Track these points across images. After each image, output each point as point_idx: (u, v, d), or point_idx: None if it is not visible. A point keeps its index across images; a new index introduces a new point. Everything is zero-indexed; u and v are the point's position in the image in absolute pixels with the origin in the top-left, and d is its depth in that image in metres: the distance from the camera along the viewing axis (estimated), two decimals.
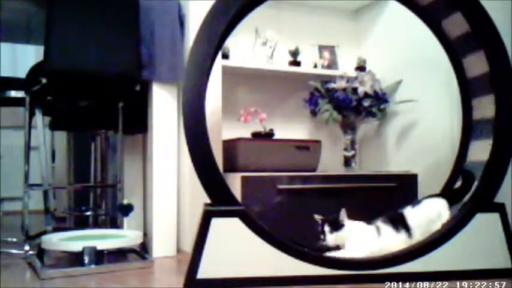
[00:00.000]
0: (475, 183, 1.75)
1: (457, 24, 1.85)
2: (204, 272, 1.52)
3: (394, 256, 1.64)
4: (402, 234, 1.71)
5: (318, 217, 1.74)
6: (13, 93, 2.22)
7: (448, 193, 1.88)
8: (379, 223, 1.73)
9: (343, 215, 1.71)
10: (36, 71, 1.99)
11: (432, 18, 1.97)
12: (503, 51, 1.74)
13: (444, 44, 1.99)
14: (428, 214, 1.73)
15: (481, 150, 1.83)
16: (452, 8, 1.82)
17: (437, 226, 1.70)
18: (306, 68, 2.70)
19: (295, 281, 1.55)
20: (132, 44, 1.97)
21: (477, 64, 1.84)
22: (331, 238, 1.68)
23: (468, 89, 1.95)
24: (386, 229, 1.72)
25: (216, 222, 1.54)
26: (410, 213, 1.74)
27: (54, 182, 2.88)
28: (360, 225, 1.73)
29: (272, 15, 2.71)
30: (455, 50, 1.96)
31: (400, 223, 1.72)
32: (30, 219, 2.04)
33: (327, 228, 1.69)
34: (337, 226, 1.69)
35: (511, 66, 1.75)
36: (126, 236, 1.97)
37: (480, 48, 1.78)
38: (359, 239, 1.69)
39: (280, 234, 1.61)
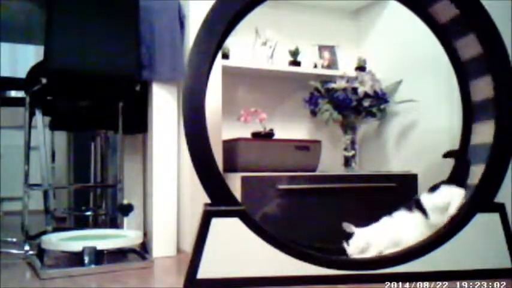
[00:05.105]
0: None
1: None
2: (204, 272, 1.52)
3: (394, 256, 1.64)
4: (417, 215, 1.72)
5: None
6: (13, 93, 2.22)
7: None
8: (386, 217, 1.77)
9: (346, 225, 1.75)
10: (36, 71, 1.99)
11: (432, 18, 1.97)
12: (503, 49, 1.74)
13: (444, 44, 1.98)
14: (442, 200, 1.73)
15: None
16: (452, 6, 1.82)
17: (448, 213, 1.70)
18: (306, 68, 2.70)
19: (295, 281, 1.55)
20: (132, 43, 1.97)
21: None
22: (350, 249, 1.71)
23: (468, 89, 1.94)
24: (397, 215, 1.75)
25: (216, 222, 1.54)
26: (425, 197, 1.76)
27: (54, 182, 2.88)
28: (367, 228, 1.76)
29: (272, 15, 2.71)
30: (455, 49, 1.95)
31: (414, 206, 1.75)
32: (30, 219, 2.04)
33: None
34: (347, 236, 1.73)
35: (511, 66, 1.75)
36: (126, 236, 1.97)
37: (481, 47, 1.77)
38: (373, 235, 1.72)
39: (280, 234, 1.61)
